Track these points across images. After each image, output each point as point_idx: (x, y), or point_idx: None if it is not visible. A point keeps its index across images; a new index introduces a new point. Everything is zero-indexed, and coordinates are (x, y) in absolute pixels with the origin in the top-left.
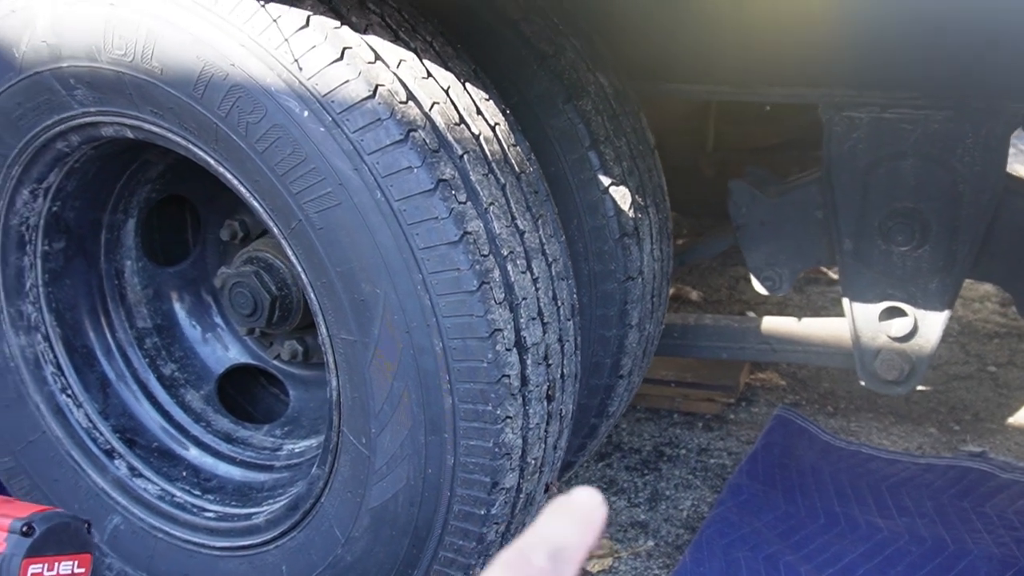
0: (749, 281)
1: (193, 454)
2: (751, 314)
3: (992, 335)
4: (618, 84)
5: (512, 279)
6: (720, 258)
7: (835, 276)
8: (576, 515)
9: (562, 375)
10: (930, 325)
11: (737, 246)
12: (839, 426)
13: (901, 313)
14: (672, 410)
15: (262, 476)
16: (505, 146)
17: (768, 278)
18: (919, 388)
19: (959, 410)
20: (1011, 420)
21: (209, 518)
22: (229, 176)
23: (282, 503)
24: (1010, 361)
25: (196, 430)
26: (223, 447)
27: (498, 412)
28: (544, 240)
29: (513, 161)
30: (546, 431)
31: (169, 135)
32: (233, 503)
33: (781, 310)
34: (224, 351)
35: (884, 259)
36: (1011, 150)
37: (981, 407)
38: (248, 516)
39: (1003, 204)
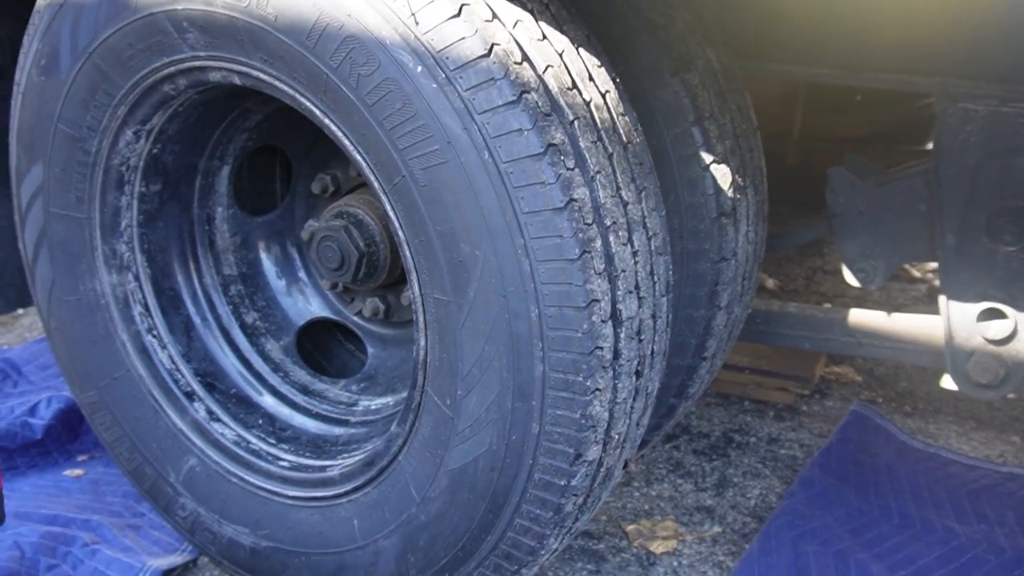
0: (827, 273)
1: (270, 403)
2: (828, 306)
3: None
4: (726, 60)
5: (613, 250)
6: (798, 248)
7: (918, 274)
8: None
9: (652, 352)
10: None
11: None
12: (917, 427)
13: (1001, 315)
14: (744, 397)
15: (337, 430)
16: (614, 115)
17: (862, 270)
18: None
19: None
20: None
21: (283, 467)
22: (334, 128)
23: (358, 458)
24: None
25: (274, 379)
26: (299, 398)
27: (588, 384)
28: (646, 213)
29: (621, 131)
30: (632, 407)
31: (277, 83)
32: (307, 454)
33: (860, 305)
34: (306, 304)
35: (988, 258)
36: None
37: None
38: (322, 468)
39: None
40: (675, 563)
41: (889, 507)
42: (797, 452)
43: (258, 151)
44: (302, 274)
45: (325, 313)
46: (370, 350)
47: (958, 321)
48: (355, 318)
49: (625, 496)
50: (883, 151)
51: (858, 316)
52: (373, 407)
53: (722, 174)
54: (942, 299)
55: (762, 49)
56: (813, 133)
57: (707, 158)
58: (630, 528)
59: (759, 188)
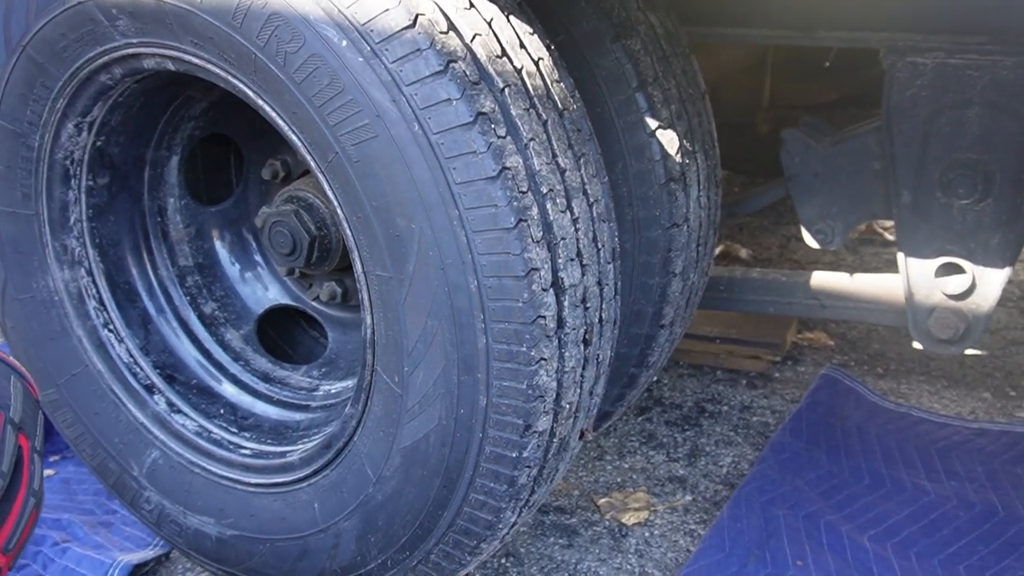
0: (801, 240)
1: (231, 392)
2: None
3: None
4: (669, 25)
5: (551, 218)
6: (772, 216)
7: (891, 237)
8: None
9: (600, 319)
10: (989, 283)
11: (789, 203)
12: (888, 388)
13: (959, 270)
14: (716, 367)
15: (298, 415)
16: (548, 82)
17: (820, 231)
18: (974, 352)
19: (1016, 375)
20: None
21: (245, 455)
22: (267, 108)
23: (316, 442)
24: None
25: (235, 368)
26: (261, 386)
27: (532, 353)
28: (586, 180)
29: (556, 97)
30: (582, 375)
31: (209, 66)
32: (269, 441)
33: (833, 270)
34: (264, 291)
35: (943, 212)
36: None
37: None
38: (283, 454)
39: None
40: (647, 534)
41: (860, 468)
42: (769, 419)
43: (209, 140)
44: (259, 262)
45: (284, 300)
46: (330, 334)
47: (917, 278)
48: (313, 303)
49: (598, 470)
50: (854, 115)
51: (821, 278)
52: (334, 391)
53: (669, 139)
54: (900, 256)
55: (707, 13)
56: (783, 101)
57: (652, 124)
58: (602, 501)
59: (710, 153)
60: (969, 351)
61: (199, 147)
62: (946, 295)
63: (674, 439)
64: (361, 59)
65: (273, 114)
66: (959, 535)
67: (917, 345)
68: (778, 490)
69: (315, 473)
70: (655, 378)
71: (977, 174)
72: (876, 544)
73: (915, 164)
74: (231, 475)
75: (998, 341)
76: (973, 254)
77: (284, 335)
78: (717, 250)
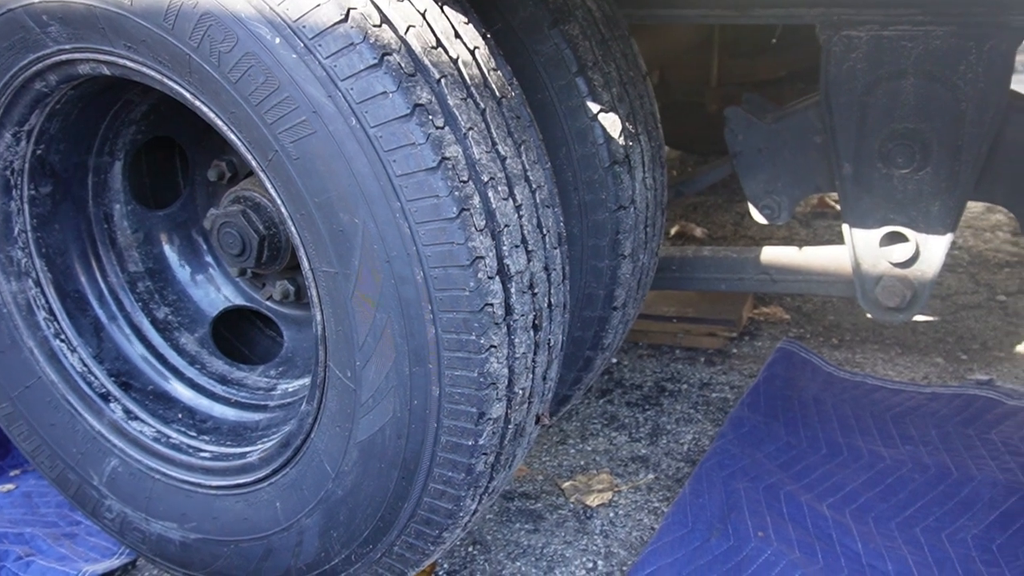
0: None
1: (188, 396)
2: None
3: (1003, 264)
4: (607, 8)
5: (493, 206)
6: (725, 194)
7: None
8: None
9: (549, 304)
10: (932, 250)
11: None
12: (844, 358)
13: (902, 238)
14: (674, 346)
15: (257, 416)
16: (485, 71)
17: (767, 206)
18: (926, 318)
19: (967, 339)
20: (1019, 348)
21: (205, 458)
22: (205, 109)
23: (275, 441)
24: (1020, 290)
25: (191, 372)
26: (218, 388)
27: (482, 341)
28: (527, 166)
29: (494, 86)
30: (533, 361)
31: (144, 70)
32: (228, 443)
33: (787, 244)
34: (217, 294)
35: (884, 183)
36: (1020, 76)
37: (989, 336)
38: (243, 455)
39: (1006, 122)
40: (611, 514)
41: (817, 438)
42: (728, 395)
43: (153, 143)
44: (211, 264)
45: (238, 301)
46: (286, 333)
47: (862, 248)
48: (267, 303)
49: (561, 454)
50: (803, 90)
51: (770, 253)
52: (291, 390)
53: (611, 122)
54: (845, 227)
55: None
56: (731, 79)
57: (594, 107)
58: (566, 485)
59: (653, 135)
60: (921, 317)
61: (143, 151)
62: (891, 263)
63: (635, 419)
64: (295, 56)
65: (211, 115)
66: (915, 498)
67: (870, 315)
68: (738, 464)
69: (275, 472)
70: (614, 360)
71: (915, 143)
72: (835, 511)
73: (854, 136)
74: (192, 479)
75: (949, 307)
76: (915, 222)
77: (241, 336)
78: (672, 230)
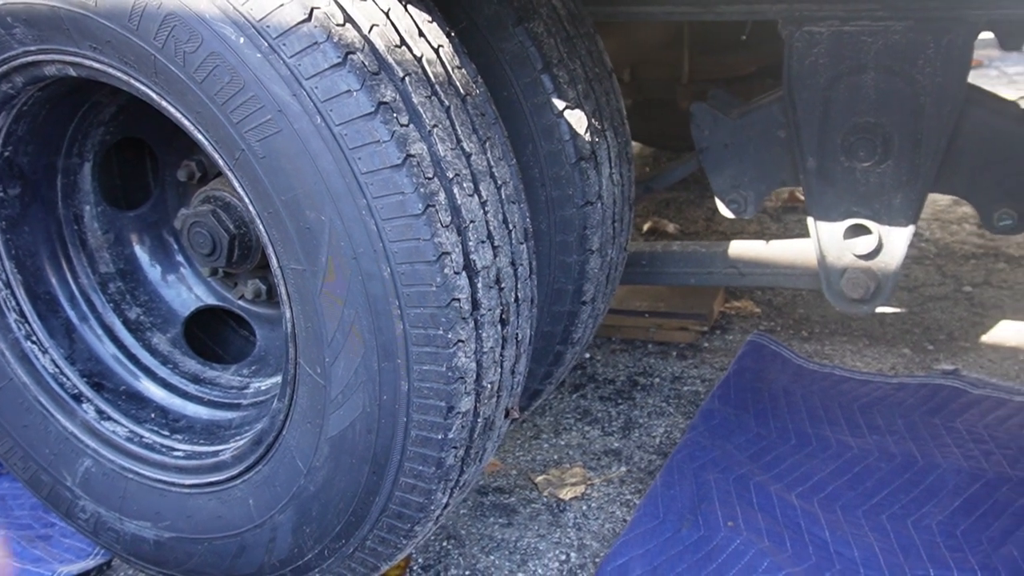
0: None
1: (161, 395)
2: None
3: (969, 256)
4: (572, 6)
5: (459, 202)
6: (697, 190)
7: None
8: None
9: (516, 299)
10: (895, 241)
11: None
12: (813, 350)
13: (865, 231)
14: (647, 340)
15: (230, 414)
16: (449, 68)
17: (734, 201)
18: (893, 310)
19: (933, 330)
20: (984, 338)
21: (178, 457)
22: (172, 109)
23: (247, 438)
24: (986, 281)
25: (164, 372)
26: (191, 388)
27: (449, 336)
28: (492, 163)
29: (458, 83)
30: (501, 355)
31: (110, 71)
32: (201, 441)
33: (758, 239)
34: (189, 293)
35: (847, 176)
36: (993, 72)
37: (955, 327)
38: (216, 453)
39: (964, 115)
40: (584, 507)
41: (786, 429)
42: (700, 388)
43: (122, 144)
44: (182, 264)
45: (210, 301)
46: (258, 332)
47: (827, 241)
48: (240, 302)
49: (535, 448)
50: (773, 86)
51: (738, 247)
52: (264, 388)
53: (577, 119)
54: (810, 221)
55: None
56: (702, 76)
57: (560, 104)
58: (540, 479)
59: (619, 131)
60: (888, 309)
61: (112, 152)
62: (856, 255)
63: (608, 413)
64: (259, 55)
65: (178, 115)
66: (881, 486)
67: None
68: (709, 455)
69: (248, 470)
70: (587, 355)
71: (876, 137)
72: (804, 500)
73: (817, 130)
74: (165, 478)
75: (916, 298)
76: (878, 215)
77: (214, 336)
78: (645, 226)
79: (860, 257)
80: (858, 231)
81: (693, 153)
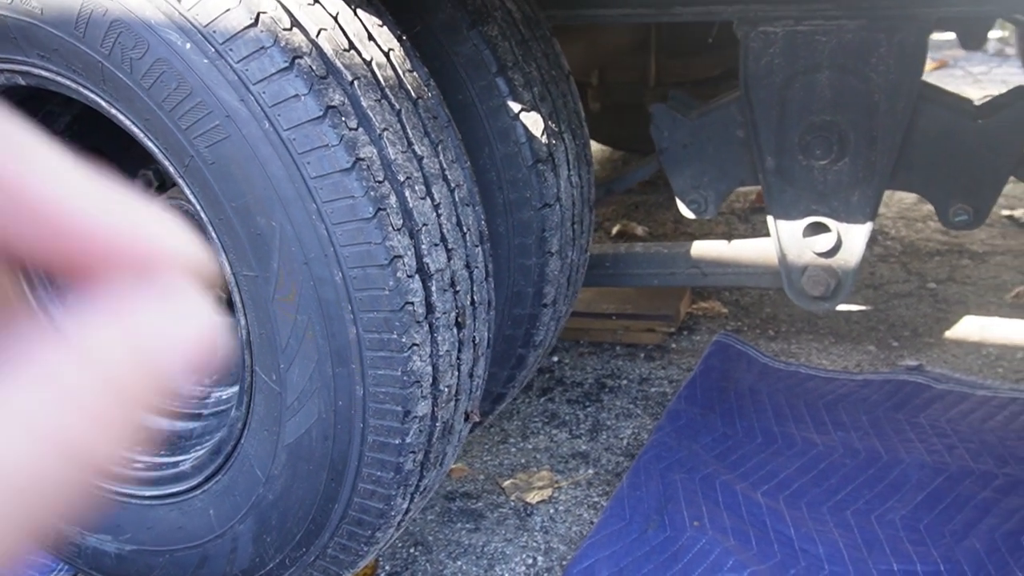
0: None
1: None
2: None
3: (933, 253)
4: (527, 9)
5: (410, 205)
6: (666, 192)
7: None
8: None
9: (473, 302)
10: (853, 239)
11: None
12: (779, 349)
13: (825, 229)
14: (614, 342)
15: (191, 424)
16: (400, 72)
17: (694, 201)
18: (859, 307)
19: (898, 327)
20: (948, 334)
21: (138, 468)
22: (121, 117)
23: (207, 448)
24: (950, 277)
25: None
26: None
27: (404, 340)
28: (445, 165)
29: (409, 87)
30: (458, 359)
31: (59, 79)
32: (162, 452)
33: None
34: None
35: (805, 174)
36: (958, 72)
37: (920, 323)
38: (176, 464)
39: (918, 112)
40: (551, 510)
41: (753, 428)
42: (667, 389)
43: (79, 155)
44: None
45: None
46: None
47: (787, 239)
48: None
49: (502, 453)
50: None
51: (700, 247)
52: (224, 397)
53: (533, 121)
54: (770, 220)
55: None
56: (669, 79)
57: (515, 107)
58: (507, 483)
59: (577, 132)
60: (853, 307)
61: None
62: (815, 253)
63: (576, 416)
64: (206, 61)
65: (127, 122)
66: (846, 482)
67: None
68: (675, 456)
69: (208, 479)
70: (554, 358)
71: (832, 135)
72: (769, 498)
73: (775, 130)
74: (125, 490)
75: (881, 295)
76: (836, 212)
77: None
78: (614, 229)
79: (820, 255)
80: (817, 229)
81: (654, 155)
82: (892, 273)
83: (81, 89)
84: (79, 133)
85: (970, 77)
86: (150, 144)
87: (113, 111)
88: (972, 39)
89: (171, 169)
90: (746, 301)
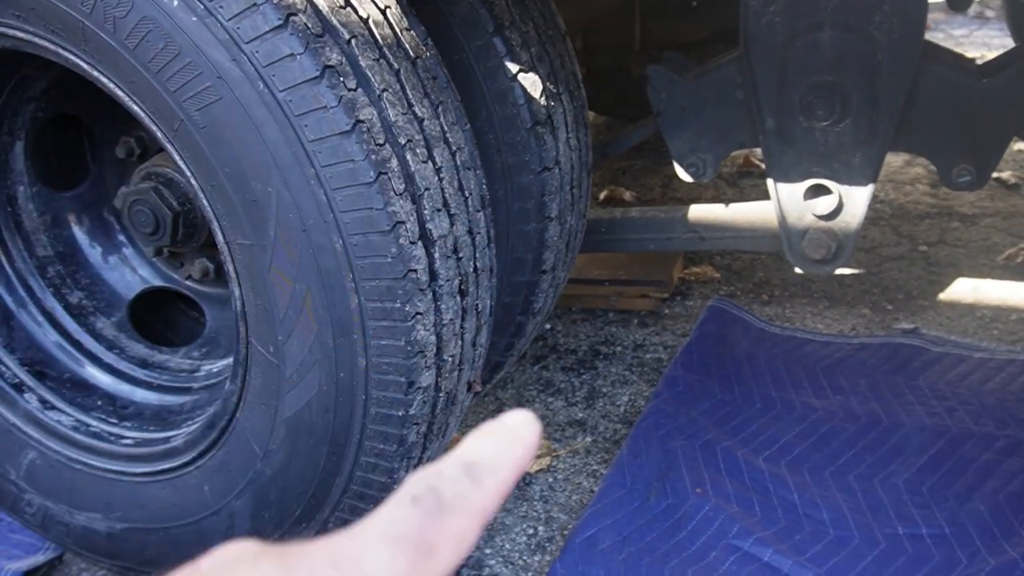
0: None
1: (107, 382)
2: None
3: (923, 216)
4: None
5: (412, 169)
6: (653, 157)
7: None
8: (502, 432)
9: (475, 269)
10: (855, 201)
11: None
12: (774, 313)
13: (826, 191)
14: (607, 309)
15: (181, 399)
16: (397, 30)
17: (692, 164)
18: (852, 271)
19: (892, 290)
20: (942, 296)
21: (127, 445)
22: (104, 80)
23: (200, 423)
24: (940, 240)
25: (110, 357)
26: (139, 373)
27: (407, 309)
28: (446, 128)
29: (407, 46)
30: (462, 327)
31: (36, 40)
32: (151, 428)
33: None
34: (133, 275)
35: (806, 136)
36: (939, 35)
37: (913, 286)
38: (167, 439)
39: (921, 72)
40: (550, 479)
41: (751, 393)
42: (662, 355)
43: (57, 122)
44: (124, 245)
45: (156, 282)
46: (208, 313)
47: (787, 202)
48: (187, 282)
49: None
50: (725, 51)
51: (697, 211)
52: (215, 370)
53: (531, 83)
54: (770, 182)
55: None
56: (654, 42)
57: (513, 68)
58: None
59: (575, 94)
60: (847, 270)
61: (46, 130)
62: (816, 216)
63: (571, 384)
64: (195, 18)
65: (111, 85)
66: (847, 447)
67: (799, 269)
68: (674, 423)
69: (201, 455)
70: (547, 326)
71: (834, 96)
72: (771, 464)
73: (775, 90)
74: (115, 467)
75: (874, 259)
76: (838, 174)
77: (162, 318)
78: (602, 195)
79: (821, 218)
80: (818, 191)
81: (650, 117)
82: (883, 236)
83: (60, 51)
84: (56, 99)
85: (951, 40)
86: (135, 108)
87: (95, 74)
88: (959, 1)
89: (158, 134)
90: (738, 266)
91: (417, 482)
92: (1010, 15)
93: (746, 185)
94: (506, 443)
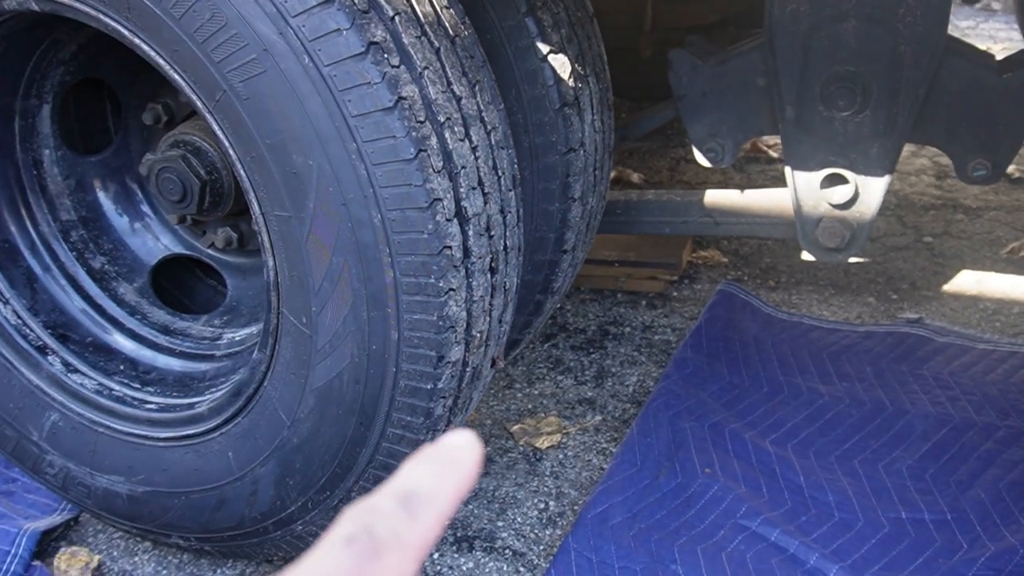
0: (690, 162)
1: (130, 347)
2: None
3: (928, 207)
4: None
5: (450, 147)
6: (660, 140)
7: (775, 155)
8: (441, 457)
9: (505, 247)
10: (871, 191)
11: (677, 127)
12: (781, 299)
13: (842, 180)
14: (616, 290)
15: (203, 366)
16: (438, 8)
17: (711, 149)
18: (857, 260)
19: (897, 280)
20: (946, 287)
21: (150, 410)
22: (146, 48)
23: (225, 390)
24: (945, 231)
25: (132, 323)
26: (161, 339)
27: (441, 284)
28: (482, 107)
29: (447, 24)
30: (490, 304)
31: (77, 5)
32: (174, 394)
33: (722, 188)
34: (156, 242)
35: (826, 125)
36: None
37: (918, 276)
38: (191, 406)
39: (943, 66)
40: (560, 456)
41: (759, 377)
42: (670, 336)
43: (83, 86)
44: (148, 212)
45: (178, 249)
46: (229, 281)
47: (804, 190)
48: (209, 251)
49: (508, 398)
50: (735, 36)
51: (713, 196)
52: (237, 338)
53: (561, 64)
54: (788, 170)
55: None
56: (665, 24)
57: (544, 48)
58: (515, 428)
59: (601, 76)
60: (852, 259)
61: (72, 94)
62: (831, 205)
63: (580, 363)
64: None
65: (152, 53)
66: (852, 432)
67: (806, 256)
68: (683, 404)
69: (226, 422)
70: (559, 305)
71: (855, 86)
72: (778, 447)
73: (797, 79)
74: (138, 431)
75: (879, 248)
76: (855, 164)
77: (181, 286)
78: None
79: (836, 207)
80: (835, 180)
81: (670, 101)
82: (889, 226)
83: (101, 17)
84: (84, 63)
85: (957, 32)
86: (176, 77)
87: (136, 41)
88: None
89: (199, 104)
90: (745, 251)
91: (351, 520)
92: (1019, 9)
93: (753, 171)
94: (445, 470)
